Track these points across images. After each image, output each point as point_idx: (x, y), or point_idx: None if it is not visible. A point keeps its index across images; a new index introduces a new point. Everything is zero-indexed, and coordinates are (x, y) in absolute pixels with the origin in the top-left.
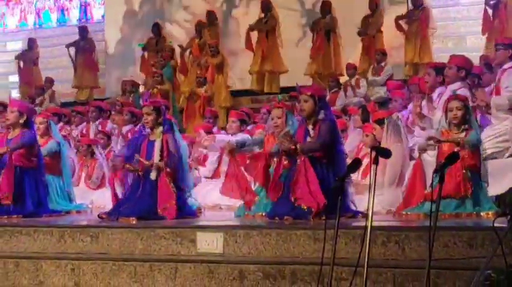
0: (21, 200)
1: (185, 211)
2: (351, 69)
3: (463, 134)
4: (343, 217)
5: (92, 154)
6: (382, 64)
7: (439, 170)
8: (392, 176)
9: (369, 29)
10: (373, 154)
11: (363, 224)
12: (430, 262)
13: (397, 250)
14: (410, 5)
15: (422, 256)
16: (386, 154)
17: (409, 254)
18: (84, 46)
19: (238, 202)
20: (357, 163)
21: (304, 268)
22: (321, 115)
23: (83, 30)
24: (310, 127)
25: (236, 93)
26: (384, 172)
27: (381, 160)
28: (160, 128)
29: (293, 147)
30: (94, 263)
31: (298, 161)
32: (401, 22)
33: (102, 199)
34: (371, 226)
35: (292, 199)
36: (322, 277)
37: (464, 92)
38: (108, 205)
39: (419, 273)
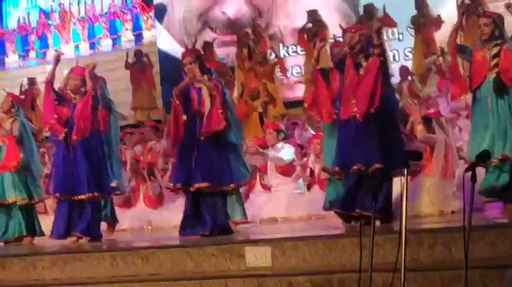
0: None
1: None
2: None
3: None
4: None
5: (151, 173)
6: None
7: (471, 169)
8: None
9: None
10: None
11: (412, 227)
12: (467, 262)
13: (444, 251)
14: None
15: (470, 256)
16: (417, 156)
17: (456, 255)
18: (140, 68)
19: (294, 214)
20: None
21: (351, 276)
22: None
23: (138, 54)
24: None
25: (289, 104)
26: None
27: None
28: (205, 77)
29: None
30: (146, 284)
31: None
32: None
33: (160, 219)
34: (409, 229)
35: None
36: (365, 283)
37: None
38: (168, 224)
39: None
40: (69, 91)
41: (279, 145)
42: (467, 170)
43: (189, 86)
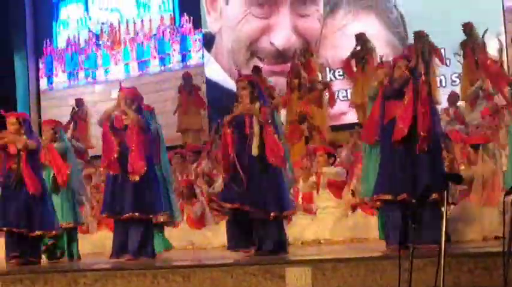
0: None
1: None
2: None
3: None
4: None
5: (194, 195)
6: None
7: (511, 193)
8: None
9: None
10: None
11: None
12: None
13: (485, 276)
14: None
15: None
16: (457, 179)
17: (498, 280)
18: (188, 90)
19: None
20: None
21: None
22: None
23: (186, 76)
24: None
25: (336, 128)
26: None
27: None
28: (257, 104)
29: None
30: None
31: None
32: None
33: (203, 239)
34: (449, 253)
35: None
36: None
37: None
38: (210, 245)
39: None
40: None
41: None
42: (507, 194)
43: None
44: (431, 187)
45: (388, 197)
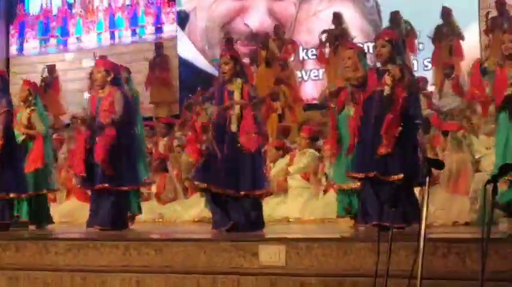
0: None
1: None
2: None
3: None
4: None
5: (164, 169)
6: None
7: (492, 181)
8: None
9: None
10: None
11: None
12: (483, 274)
13: (458, 261)
14: None
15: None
16: (439, 165)
17: (470, 266)
18: (159, 62)
19: (308, 215)
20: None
21: (364, 281)
22: (398, 61)
23: (158, 47)
24: (387, 78)
25: (307, 107)
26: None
27: None
28: (239, 80)
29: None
30: (158, 276)
31: None
32: None
33: (173, 212)
34: (424, 238)
35: None
36: None
37: None
38: (180, 218)
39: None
40: (96, 86)
41: (310, 150)
42: (488, 182)
43: (222, 87)
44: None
45: (361, 175)
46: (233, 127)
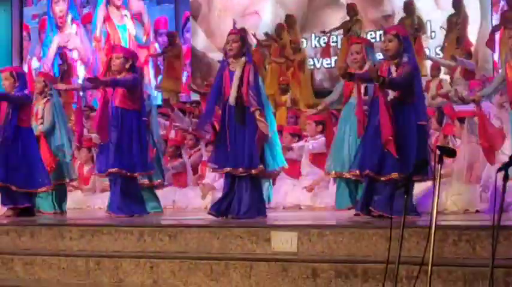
0: None
1: None
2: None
3: None
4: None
5: (179, 155)
6: None
7: (503, 168)
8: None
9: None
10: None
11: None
12: (493, 261)
13: (468, 248)
14: None
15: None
16: (451, 153)
17: (480, 253)
18: (172, 50)
19: (319, 202)
20: (424, 163)
21: (376, 267)
22: (405, 58)
23: (171, 36)
24: (393, 68)
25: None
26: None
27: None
28: (243, 58)
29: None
30: (172, 261)
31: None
32: None
33: (186, 199)
34: (436, 225)
35: None
36: (393, 275)
37: None
38: (191, 205)
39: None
40: (114, 71)
41: (318, 136)
42: (500, 169)
43: (225, 68)
44: (424, 161)
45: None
46: (231, 99)
